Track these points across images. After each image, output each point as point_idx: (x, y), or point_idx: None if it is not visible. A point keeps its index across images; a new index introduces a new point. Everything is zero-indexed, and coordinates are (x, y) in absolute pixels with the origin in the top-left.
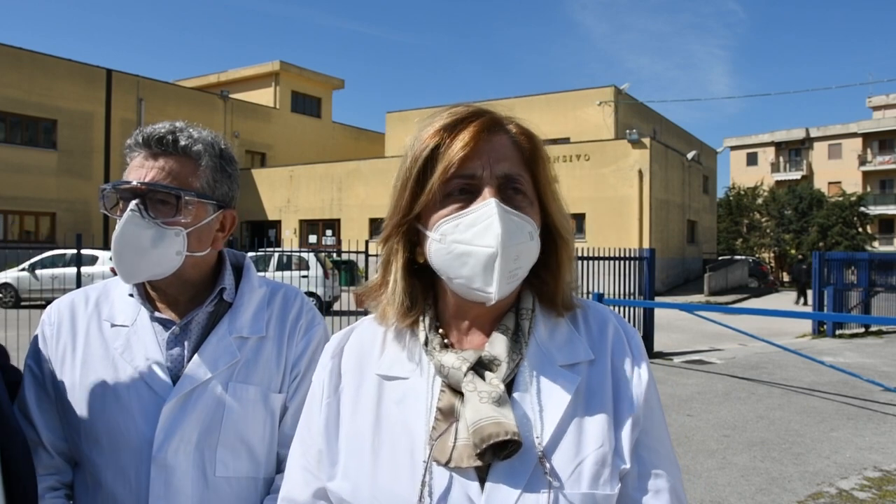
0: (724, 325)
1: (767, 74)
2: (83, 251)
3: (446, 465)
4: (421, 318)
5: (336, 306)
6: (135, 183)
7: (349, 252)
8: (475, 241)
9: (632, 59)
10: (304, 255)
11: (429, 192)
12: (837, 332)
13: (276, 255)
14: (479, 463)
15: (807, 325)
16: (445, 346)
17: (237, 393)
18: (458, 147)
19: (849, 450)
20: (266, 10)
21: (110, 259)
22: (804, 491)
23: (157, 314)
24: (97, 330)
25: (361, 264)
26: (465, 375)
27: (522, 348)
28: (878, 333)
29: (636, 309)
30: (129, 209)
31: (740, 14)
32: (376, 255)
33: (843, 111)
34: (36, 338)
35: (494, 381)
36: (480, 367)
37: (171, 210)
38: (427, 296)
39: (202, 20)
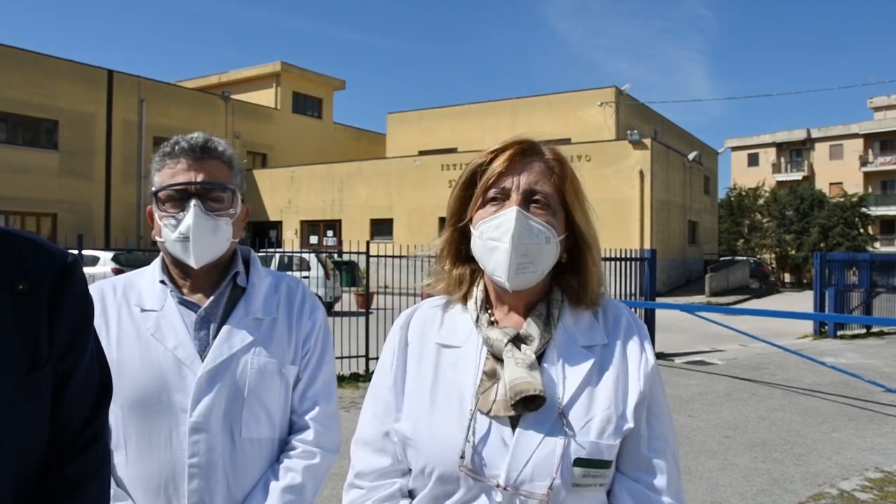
0: (725, 325)
1: (767, 75)
2: (84, 252)
3: (487, 413)
4: (471, 299)
5: (337, 307)
6: (192, 183)
7: (350, 253)
8: (499, 238)
9: (629, 62)
10: (306, 255)
11: (475, 198)
12: (839, 332)
13: (278, 255)
14: (512, 413)
15: (808, 326)
16: (491, 324)
17: (256, 366)
18: (497, 165)
19: (850, 451)
20: (265, 20)
21: (113, 260)
22: (805, 492)
23: (184, 298)
24: (127, 314)
25: (363, 265)
26: (505, 346)
27: (552, 330)
28: (880, 334)
29: (637, 310)
30: (192, 205)
31: (736, 14)
32: (377, 256)
33: (845, 112)
34: None
35: (528, 351)
36: (518, 340)
37: (222, 205)
38: (476, 280)
39: (202, 20)
